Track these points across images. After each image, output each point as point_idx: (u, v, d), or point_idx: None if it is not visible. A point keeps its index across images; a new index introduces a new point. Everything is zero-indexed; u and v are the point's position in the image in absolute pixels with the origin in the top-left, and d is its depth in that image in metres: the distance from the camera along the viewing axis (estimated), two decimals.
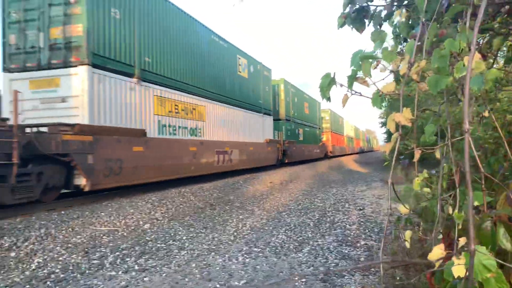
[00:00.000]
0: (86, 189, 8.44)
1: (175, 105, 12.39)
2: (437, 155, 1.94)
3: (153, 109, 11.23)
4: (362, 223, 6.70)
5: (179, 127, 12.61)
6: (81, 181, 8.42)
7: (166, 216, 7.68)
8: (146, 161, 10.42)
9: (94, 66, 9.03)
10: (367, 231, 6.07)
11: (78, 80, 8.87)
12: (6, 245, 5.22)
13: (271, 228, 6.50)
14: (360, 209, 8.05)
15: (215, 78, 15.37)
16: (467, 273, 0.85)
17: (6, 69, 9.42)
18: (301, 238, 5.76)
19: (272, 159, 21.63)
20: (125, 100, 10.07)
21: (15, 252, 5.00)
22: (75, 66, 8.88)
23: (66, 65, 8.97)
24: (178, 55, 12.67)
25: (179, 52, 12.73)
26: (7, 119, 7.47)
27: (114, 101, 9.69)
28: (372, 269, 4.09)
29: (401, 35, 2.30)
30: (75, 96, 8.92)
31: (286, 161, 24.13)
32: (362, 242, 5.40)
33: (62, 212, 7.46)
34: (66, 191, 9.35)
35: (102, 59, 9.33)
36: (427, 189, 2.29)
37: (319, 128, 35.57)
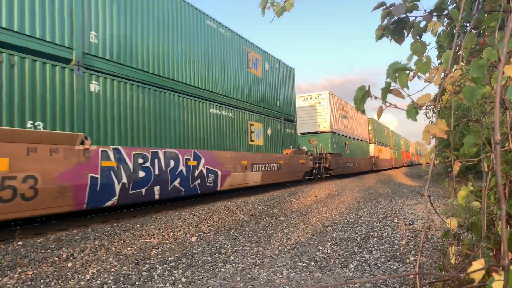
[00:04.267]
0: None
1: None
2: (485, 167, 1.86)
3: None
4: (412, 238, 6.45)
5: None
6: None
7: (212, 229, 7.81)
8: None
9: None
10: (417, 246, 5.83)
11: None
12: (64, 255, 5.56)
13: (316, 242, 6.42)
14: (410, 224, 7.75)
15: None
16: None
17: None
18: (347, 253, 5.64)
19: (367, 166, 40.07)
20: None
21: (72, 263, 5.31)
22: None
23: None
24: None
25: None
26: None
27: None
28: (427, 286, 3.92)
29: (443, 45, 2.25)
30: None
31: (394, 167, 46.93)
32: (412, 258, 5.19)
33: (115, 224, 7.81)
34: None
35: None
36: (476, 203, 2.19)
37: (400, 149, 57.77)
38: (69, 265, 5.23)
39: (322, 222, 8.49)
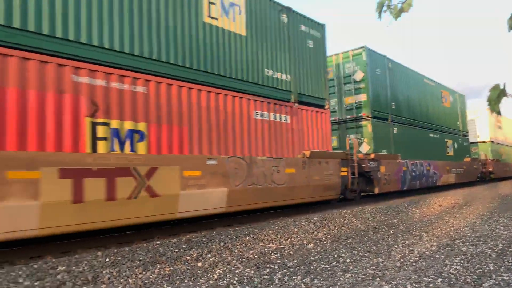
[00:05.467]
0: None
1: None
2: None
3: None
4: None
5: None
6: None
7: (328, 237, 7.80)
8: None
9: None
10: None
11: None
12: (194, 255, 6.13)
13: (442, 256, 5.95)
14: None
15: None
16: None
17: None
18: (480, 270, 5.12)
19: None
20: None
21: (201, 263, 5.83)
22: None
23: None
24: None
25: None
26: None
27: None
28: None
29: None
30: None
31: None
32: None
33: (236, 228, 8.33)
34: None
35: None
36: None
37: None
38: (199, 264, 5.75)
39: (448, 234, 7.82)
